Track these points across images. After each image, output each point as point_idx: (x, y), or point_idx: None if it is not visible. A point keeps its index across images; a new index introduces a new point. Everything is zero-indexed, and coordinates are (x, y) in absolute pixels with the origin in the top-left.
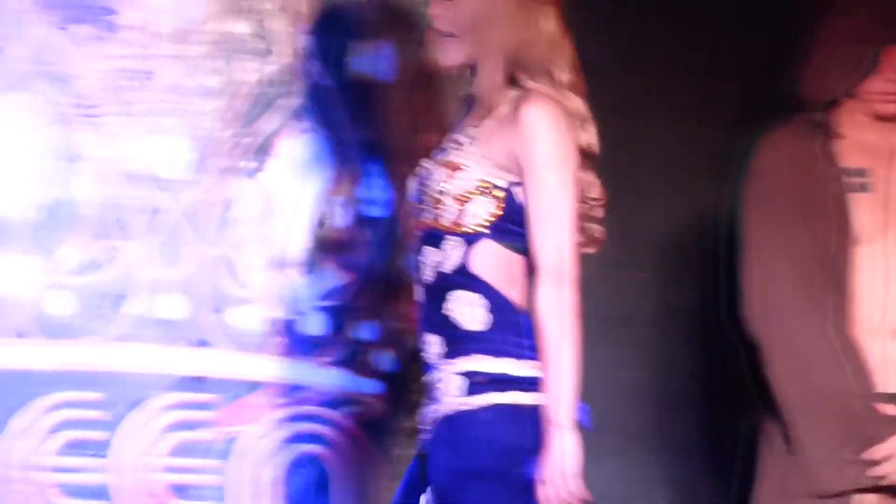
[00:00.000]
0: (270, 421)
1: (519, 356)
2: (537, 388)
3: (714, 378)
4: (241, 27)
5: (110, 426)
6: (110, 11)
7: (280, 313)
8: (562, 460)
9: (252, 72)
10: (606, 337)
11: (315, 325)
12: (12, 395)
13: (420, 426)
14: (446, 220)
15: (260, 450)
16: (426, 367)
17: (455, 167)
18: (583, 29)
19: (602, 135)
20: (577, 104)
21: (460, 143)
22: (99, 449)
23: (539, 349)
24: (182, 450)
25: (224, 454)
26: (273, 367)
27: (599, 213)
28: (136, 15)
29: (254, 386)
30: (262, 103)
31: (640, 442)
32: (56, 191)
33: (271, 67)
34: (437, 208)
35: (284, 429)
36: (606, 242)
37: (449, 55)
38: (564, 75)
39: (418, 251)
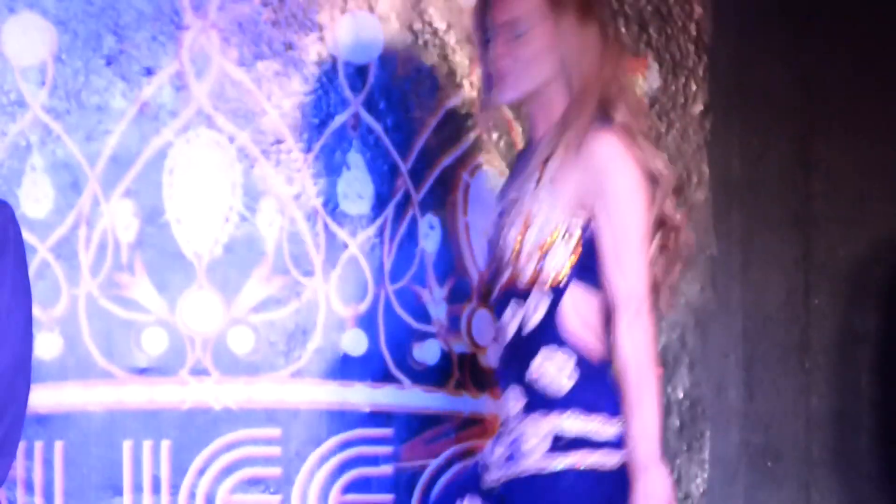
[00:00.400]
0: (450, 456)
1: (606, 412)
2: (623, 447)
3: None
4: (424, 60)
5: (287, 463)
6: (294, 47)
7: (462, 347)
8: (651, 499)
9: (433, 107)
10: (787, 365)
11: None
12: (191, 433)
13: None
14: (526, 276)
15: (440, 484)
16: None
17: (527, 218)
18: (763, 55)
19: (781, 160)
20: (644, 135)
21: (526, 190)
22: (277, 486)
23: (622, 388)
24: (359, 485)
25: (405, 489)
26: (453, 402)
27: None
28: (319, 49)
29: (434, 420)
30: (441, 137)
31: (822, 468)
32: (239, 228)
33: (454, 101)
34: (515, 265)
35: (464, 463)
36: (787, 269)
37: (509, 93)
38: (628, 107)
39: (498, 310)
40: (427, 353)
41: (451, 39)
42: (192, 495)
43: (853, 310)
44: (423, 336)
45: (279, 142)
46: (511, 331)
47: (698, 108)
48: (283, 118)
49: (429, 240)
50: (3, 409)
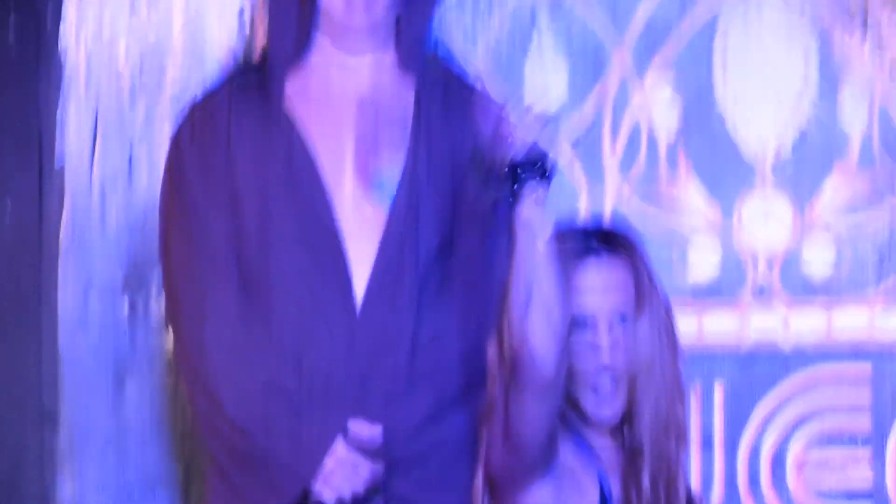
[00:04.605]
0: None
1: None
2: None
3: None
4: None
5: (879, 409)
6: None
7: None
8: None
9: None
10: None
11: None
12: (754, 373)
13: None
14: None
15: None
16: None
17: None
18: None
19: None
20: None
21: None
22: (867, 440)
23: None
24: None
25: None
26: None
27: None
28: None
29: None
30: None
31: None
32: (820, 107)
33: None
34: None
35: None
36: None
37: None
38: None
39: None
40: None
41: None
42: (755, 451)
43: None
44: None
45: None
46: None
47: None
48: None
49: None
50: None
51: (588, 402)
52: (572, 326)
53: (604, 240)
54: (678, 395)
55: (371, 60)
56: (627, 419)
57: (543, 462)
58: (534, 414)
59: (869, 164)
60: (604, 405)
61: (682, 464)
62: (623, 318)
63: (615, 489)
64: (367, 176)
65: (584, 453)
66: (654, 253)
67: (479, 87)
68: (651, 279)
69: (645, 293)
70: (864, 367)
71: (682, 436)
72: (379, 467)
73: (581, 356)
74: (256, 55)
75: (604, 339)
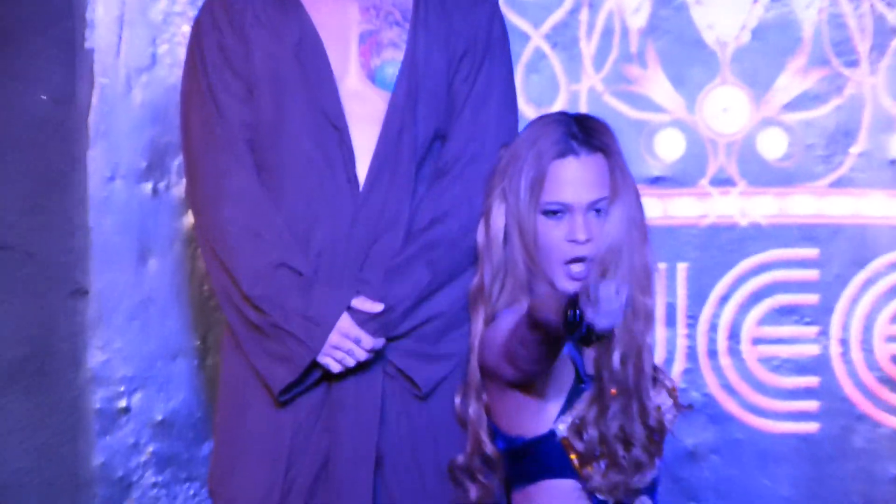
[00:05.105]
0: None
1: None
2: None
3: None
4: None
5: (826, 288)
6: None
7: None
8: None
9: None
10: None
11: None
12: (712, 254)
13: None
14: None
15: None
16: None
17: None
18: None
19: None
20: None
21: None
22: (813, 316)
23: None
24: None
25: None
26: None
27: None
28: None
29: None
30: None
31: None
32: (770, 9)
33: None
34: None
35: None
36: None
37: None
38: None
39: None
40: None
41: None
42: (713, 327)
43: None
44: None
45: None
46: None
47: None
48: None
49: None
50: (466, 266)
51: (561, 285)
52: (550, 214)
53: (584, 139)
54: (646, 279)
55: None
56: None
57: (539, 375)
58: (540, 351)
59: (819, 64)
60: (576, 287)
61: (648, 343)
62: (597, 210)
63: (588, 368)
64: (369, 70)
65: None
66: (625, 144)
67: None
68: (624, 172)
69: (618, 186)
70: (813, 250)
71: (649, 318)
72: (380, 340)
73: (557, 243)
74: None
75: (579, 228)
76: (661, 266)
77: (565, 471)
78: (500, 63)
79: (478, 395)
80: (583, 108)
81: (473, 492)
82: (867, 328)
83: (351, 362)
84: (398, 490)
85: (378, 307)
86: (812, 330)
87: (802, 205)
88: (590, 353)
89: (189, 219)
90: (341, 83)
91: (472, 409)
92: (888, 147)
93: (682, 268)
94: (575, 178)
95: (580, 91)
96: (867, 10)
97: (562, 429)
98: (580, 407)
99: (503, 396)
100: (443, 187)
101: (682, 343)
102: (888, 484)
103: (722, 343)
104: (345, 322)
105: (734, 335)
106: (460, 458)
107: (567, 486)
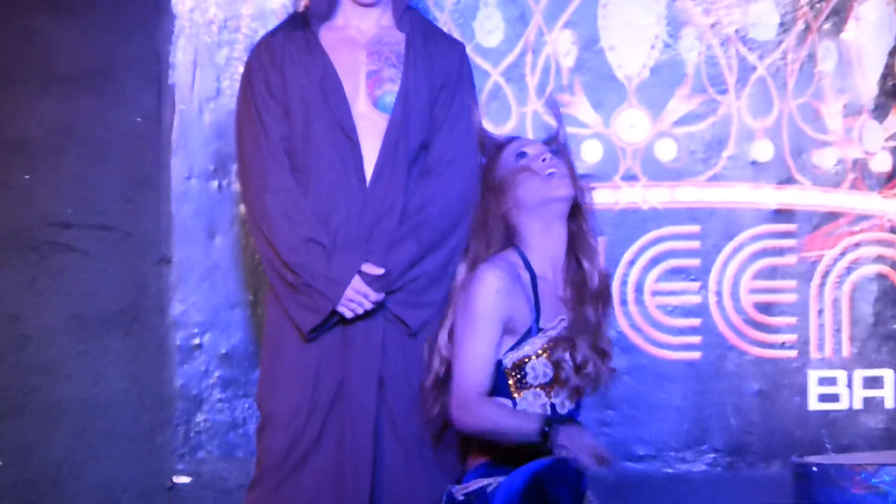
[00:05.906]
0: (845, 246)
1: None
2: None
3: None
4: None
5: (705, 255)
6: None
7: (855, 154)
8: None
9: None
10: None
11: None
12: (623, 229)
13: None
14: None
15: (836, 271)
16: None
17: None
18: None
19: None
20: None
21: None
22: (696, 274)
23: None
24: (767, 273)
25: (805, 276)
26: (848, 200)
27: None
28: None
29: (831, 217)
30: None
31: None
32: (664, 53)
33: None
34: None
35: (855, 253)
36: None
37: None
38: None
39: None
40: (824, 158)
41: None
42: (624, 282)
43: None
44: (822, 144)
45: None
46: None
47: None
48: None
49: (826, 62)
50: (445, 240)
51: (552, 193)
52: (518, 158)
53: (553, 145)
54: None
55: (377, 12)
56: None
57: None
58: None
59: (699, 92)
60: (560, 187)
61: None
62: (554, 152)
63: (544, 323)
64: (374, 98)
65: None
66: None
67: (446, 33)
68: (574, 172)
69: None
70: (696, 226)
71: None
72: (381, 295)
73: (527, 177)
74: (301, 9)
75: (544, 150)
76: None
77: (505, 392)
78: (468, 93)
79: (449, 335)
80: (529, 127)
81: (435, 409)
82: (735, 283)
83: (360, 311)
84: (395, 405)
85: (380, 271)
86: (695, 285)
87: (688, 194)
88: (548, 315)
89: (243, 207)
90: (353, 107)
91: (441, 339)
92: (750, 152)
93: (601, 241)
94: (534, 143)
95: (527, 113)
96: (734, 53)
97: (506, 362)
98: (526, 349)
99: None
100: (427, 183)
101: None
102: (751, 397)
103: (630, 294)
104: (356, 281)
105: (639, 289)
106: (427, 381)
107: (504, 403)
